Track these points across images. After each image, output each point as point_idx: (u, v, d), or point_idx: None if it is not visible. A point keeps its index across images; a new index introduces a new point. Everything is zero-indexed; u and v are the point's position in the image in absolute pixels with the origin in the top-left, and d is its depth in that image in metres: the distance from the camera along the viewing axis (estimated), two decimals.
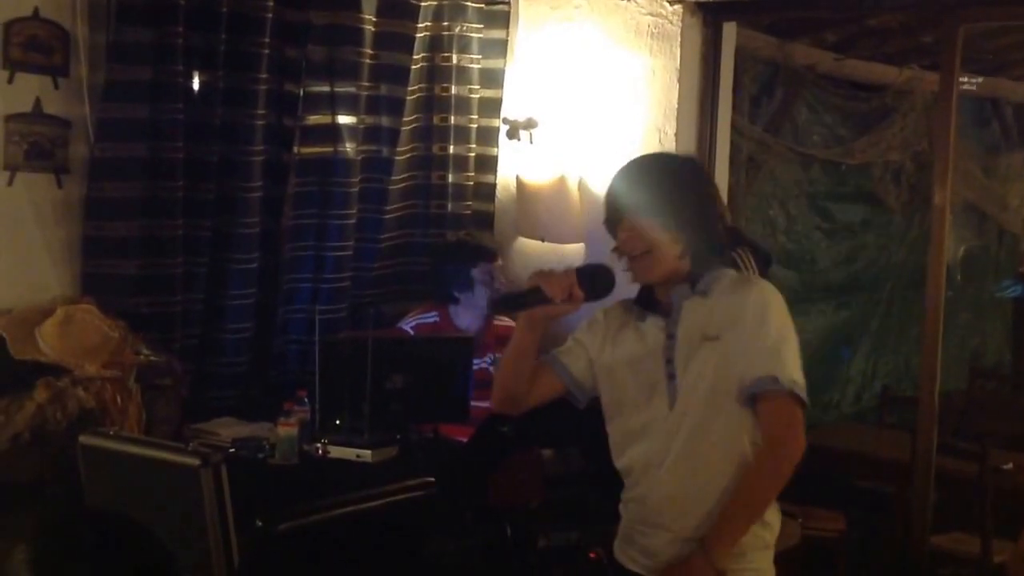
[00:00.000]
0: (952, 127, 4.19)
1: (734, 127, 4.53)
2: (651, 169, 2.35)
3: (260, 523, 2.64)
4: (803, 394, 2.18)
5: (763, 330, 2.18)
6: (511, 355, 2.36)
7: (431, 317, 3.95)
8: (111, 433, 2.69)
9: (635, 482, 2.32)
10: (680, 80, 4.12)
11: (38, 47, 3.30)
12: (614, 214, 2.30)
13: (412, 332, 3.91)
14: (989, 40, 5.69)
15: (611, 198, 2.32)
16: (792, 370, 2.18)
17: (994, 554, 4.00)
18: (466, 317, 3.95)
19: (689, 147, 4.10)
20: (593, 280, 2.27)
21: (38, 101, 3.32)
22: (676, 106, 4.12)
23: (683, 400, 2.25)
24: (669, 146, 4.09)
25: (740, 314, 2.20)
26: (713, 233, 2.30)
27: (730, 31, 4.30)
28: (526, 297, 2.26)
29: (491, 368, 3.91)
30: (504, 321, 4.04)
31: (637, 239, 2.27)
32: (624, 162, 2.39)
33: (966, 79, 5.58)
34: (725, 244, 2.36)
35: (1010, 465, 4.42)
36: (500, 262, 4.04)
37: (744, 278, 2.31)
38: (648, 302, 2.34)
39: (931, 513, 4.25)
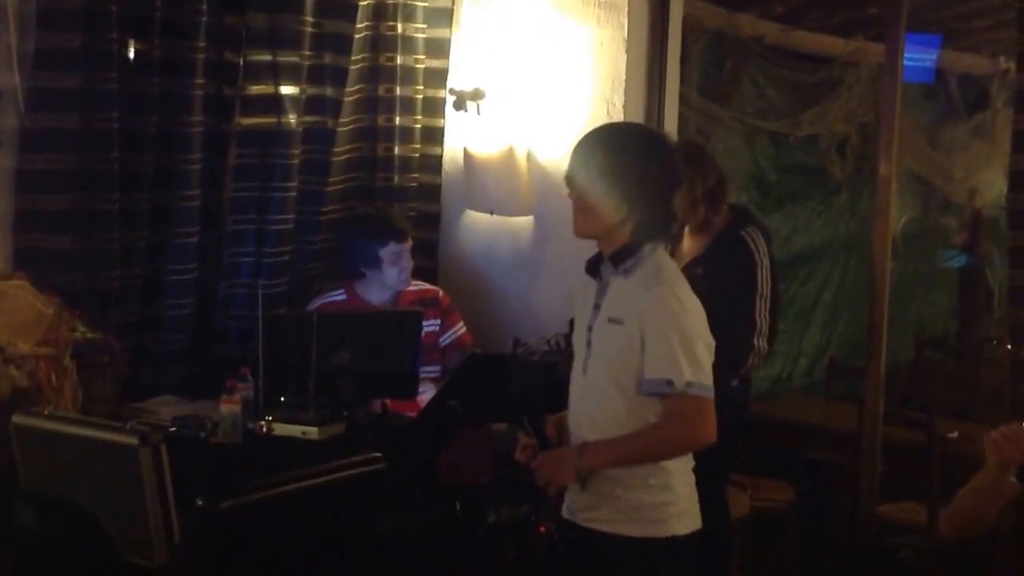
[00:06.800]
0: (897, 98, 4.21)
1: (682, 98, 4.50)
2: (605, 137, 2.53)
3: (200, 502, 2.57)
4: (701, 392, 2.38)
5: (663, 333, 2.37)
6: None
7: (339, 295, 3.87)
8: (46, 413, 2.66)
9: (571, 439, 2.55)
10: (628, 51, 4.08)
11: None
12: (569, 174, 2.50)
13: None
14: (933, 11, 5.73)
15: (571, 159, 2.51)
16: (689, 373, 2.36)
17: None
18: (375, 292, 3.87)
19: (637, 118, 4.07)
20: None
21: None
22: (624, 77, 4.07)
23: (592, 371, 2.49)
24: (617, 117, 4.04)
25: (645, 310, 2.39)
26: (658, 210, 2.47)
27: (677, 1, 4.26)
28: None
29: None
30: (417, 285, 3.97)
31: (577, 197, 2.48)
32: (570, 132, 2.48)
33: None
34: (672, 223, 2.55)
35: (956, 434, 4.46)
36: (410, 243, 3.89)
37: (659, 272, 2.45)
38: (594, 265, 2.55)
39: (879, 483, 4.29)
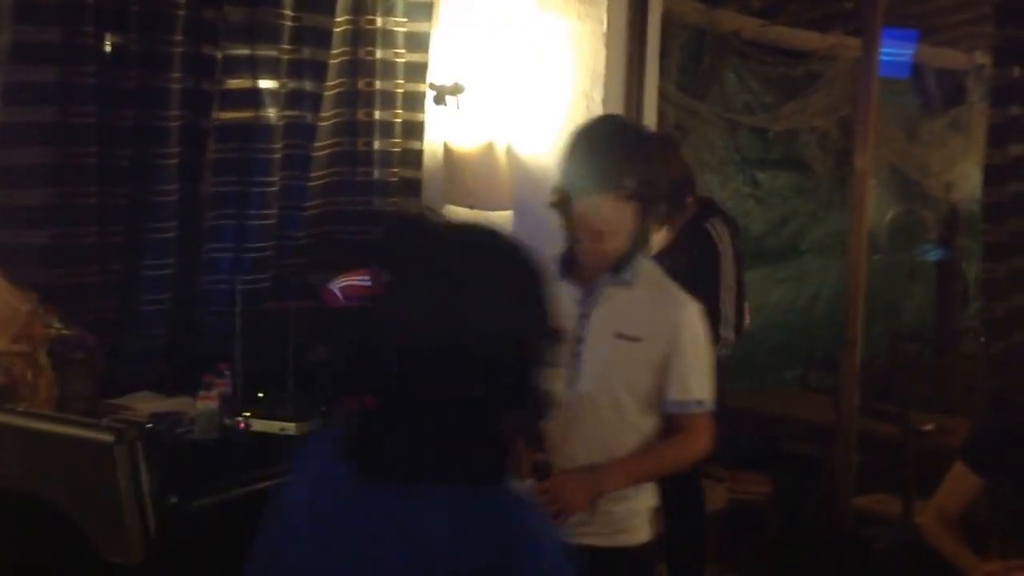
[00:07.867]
0: (873, 93, 4.22)
1: (661, 93, 4.51)
2: (619, 141, 2.22)
3: (177, 499, 2.57)
4: (712, 407, 2.39)
5: (697, 357, 2.34)
6: None
7: (364, 280, 3.88)
8: (20, 410, 2.62)
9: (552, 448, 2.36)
10: (607, 45, 4.08)
11: None
12: (573, 190, 2.18)
13: (340, 294, 3.81)
14: (911, 6, 5.75)
15: (573, 171, 2.20)
16: (711, 392, 2.38)
17: (916, 514, 4.07)
18: None
19: (616, 112, 4.07)
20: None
21: None
22: (603, 72, 4.07)
23: (586, 385, 2.29)
24: (596, 112, 4.04)
25: (675, 332, 2.30)
26: (659, 216, 2.32)
27: None
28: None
29: None
30: None
31: (599, 219, 2.17)
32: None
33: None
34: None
35: (931, 426, 4.50)
36: None
37: (670, 287, 2.37)
38: (567, 266, 2.32)
39: (855, 475, 4.31)
